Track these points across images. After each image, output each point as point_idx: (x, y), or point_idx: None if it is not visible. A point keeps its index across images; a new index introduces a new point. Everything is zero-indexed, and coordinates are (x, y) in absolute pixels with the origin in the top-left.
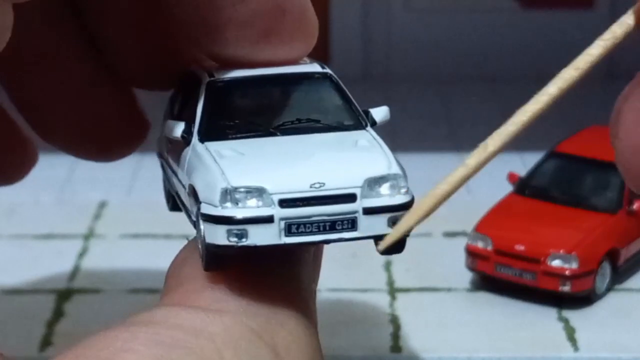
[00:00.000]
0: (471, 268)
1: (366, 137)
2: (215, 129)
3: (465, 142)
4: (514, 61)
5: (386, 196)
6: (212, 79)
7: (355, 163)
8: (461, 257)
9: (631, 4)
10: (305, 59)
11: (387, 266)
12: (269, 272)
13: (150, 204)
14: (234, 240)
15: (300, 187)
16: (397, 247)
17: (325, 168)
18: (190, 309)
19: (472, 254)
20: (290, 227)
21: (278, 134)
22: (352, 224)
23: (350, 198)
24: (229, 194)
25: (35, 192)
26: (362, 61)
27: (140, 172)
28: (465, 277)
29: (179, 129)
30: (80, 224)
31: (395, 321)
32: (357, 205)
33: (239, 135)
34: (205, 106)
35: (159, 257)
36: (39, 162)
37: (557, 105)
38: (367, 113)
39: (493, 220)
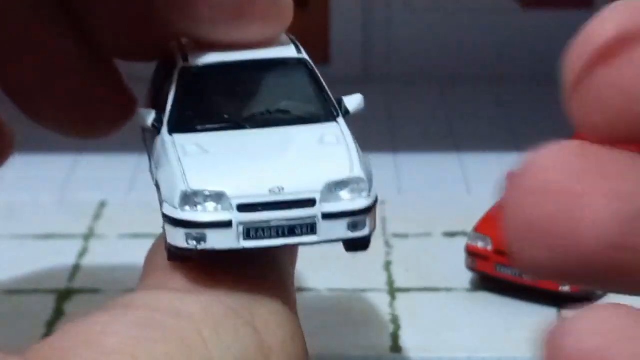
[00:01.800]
0: (471, 268)
1: (334, 132)
2: (184, 120)
3: (465, 142)
4: (514, 61)
5: (346, 200)
6: (186, 65)
7: (316, 165)
8: (461, 257)
9: None
10: (284, 36)
11: (387, 266)
12: (245, 254)
13: (150, 204)
14: (192, 244)
15: (259, 191)
16: (362, 245)
17: (286, 171)
18: (167, 291)
19: (472, 254)
20: (249, 232)
21: (247, 126)
22: (311, 229)
23: (309, 203)
24: (188, 197)
25: (35, 192)
26: (362, 61)
27: (140, 172)
28: (465, 277)
29: (149, 117)
30: (80, 224)
31: (395, 321)
32: (316, 210)
33: (207, 127)
34: (176, 95)
35: None
36: (39, 162)
37: (557, 105)
38: (340, 102)
39: (493, 220)
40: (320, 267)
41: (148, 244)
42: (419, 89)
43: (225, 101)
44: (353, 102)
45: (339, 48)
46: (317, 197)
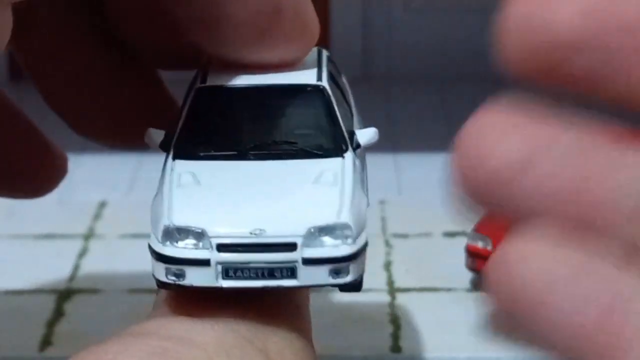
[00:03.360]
0: (471, 268)
1: (335, 169)
2: (189, 146)
3: None
4: None
5: (328, 247)
6: (202, 86)
7: (303, 208)
8: (461, 257)
9: None
10: (312, 54)
11: (387, 266)
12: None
13: (150, 204)
14: (172, 279)
15: (239, 232)
16: (353, 288)
17: (271, 212)
18: (180, 319)
19: (472, 254)
20: (228, 271)
21: (251, 157)
22: (291, 273)
23: (290, 247)
24: (170, 233)
25: None
26: (362, 61)
27: (140, 172)
28: (465, 277)
29: (158, 138)
30: (80, 224)
31: (395, 321)
32: (297, 255)
33: (210, 155)
34: (186, 118)
35: None
36: None
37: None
38: (352, 135)
39: (493, 220)
40: None
41: None
42: (419, 89)
43: (235, 128)
44: (365, 136)
45: (338, 48)
46: (298, 241)
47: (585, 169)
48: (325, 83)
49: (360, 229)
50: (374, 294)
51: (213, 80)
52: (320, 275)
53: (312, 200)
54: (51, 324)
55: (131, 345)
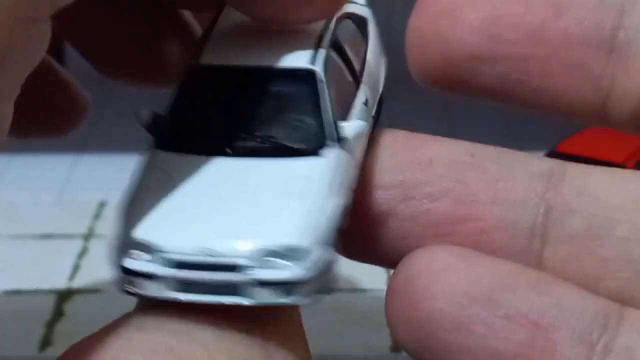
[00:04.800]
0: None
1: (309, 175)
2: (172, 134)
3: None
4: None
5: (279, 269)
6: (193, 63)
7: (258, 225)
8: None
9: None
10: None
11: None
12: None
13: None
14: (127, 287)
15: (187, 249)
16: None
17: (225, 228)
18: (181, 314)
19: None
20: (182, 285)
21: (228, 152)
22: (246, 292)
23: (236, 268)
24: (123, 242)
25: (35, 192)
26: None
27: None
28: None
29: (146, 118)
30: (80, 224)
31: None
32: (244, 276)
33: (190, 149)
34: (174, 101)
35: None
36: (39, 162)
37: None
38: (337, 127)
39: None
40: None
41: None
42: (419, 89)
43: (218, 115)
44: (352, 128)
45: None
46: (245, 262)
47: None
48: (318, 66)
49: (325, 245)
50: (374, 294)
51: (205, 58)
52: (272, 295)
53: (271, 217)
54: (51, 324)
55: (134, 342)
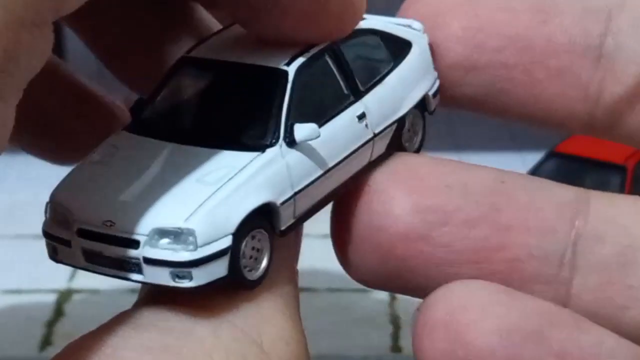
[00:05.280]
0: None
1: (232, 167)
2: (143, 118)
3: (465, 142)
4: None
5: (167, 250)
6: (185, 55)
7: (161, 206)
8: None
9: None
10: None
11: None
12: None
13: None
14: (50, 253)
15: (94, 221)
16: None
17: (133, 206)
18: (177, 311)
19: None
20: (87, 255)
21: (180, 140)
22: (138, 269)
23: (134, 244)
24: (47, 206)
25: (35, 192)
26: None
27: None
28: None
29: (132, 103)
30: None
31: (395, 321)
32: (139, 253)
33: (148, 132)
34: (157, 88)
35: None
36: (39, 162)
37: None
38: (291, 128)
39: None
40: (320, 267)
41: None
42: None
43: (187, 105)
44: (303, 131)
45: None
46: (142, 240)
47: None
48: (292, 67)
49: (218, 234)
50: (374, 294)
51: (202, 49)
52: (162, 276)
53: (176, 200)
54: (51, 324)
55: (130, 339)
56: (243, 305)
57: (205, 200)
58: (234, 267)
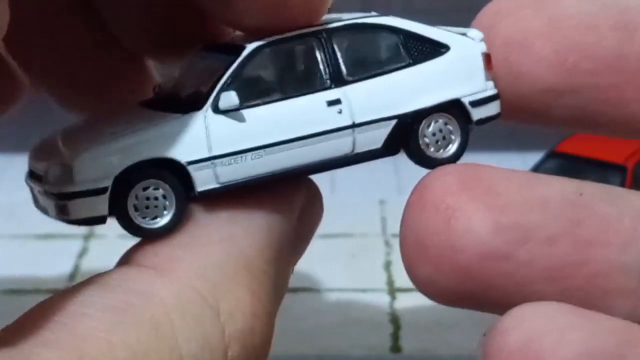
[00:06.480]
0: None
1: (146, 125)
2: (157, 95)
3: None
4: None
5: (51, 183)
6: (258, 44)
7: (64, 149)
8: None
9: None
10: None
11: (387, 266)
12: (228, 237)
13: None
14: (33, 201)
15: (34, 163)
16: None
17: (60, 149)
18: (143, 271)
19: None
20: (35, 198)
21: (161, 108)
22: (43, 202)
23: (41, 179)
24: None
25: None
26: None
27: None
28: None
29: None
30: None
31: (395, 321)
32: (40, 186)
33: (152, 105)
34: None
35: None
36: None
37: None
38: (218, 95)
39: None
40: (320, 267)
41: None
42: None
43: (183, 80)
44: (224, 98)
45: None
46: (45, 175)
47: None
48: (252, 45)
49: (98, 175)
50: (374, 294)
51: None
52: (51, 208)
53: (77, 143)
54: None
55: (96, 298)
56: (209, 272)
57: (97, 145)
58: (121, 210)
